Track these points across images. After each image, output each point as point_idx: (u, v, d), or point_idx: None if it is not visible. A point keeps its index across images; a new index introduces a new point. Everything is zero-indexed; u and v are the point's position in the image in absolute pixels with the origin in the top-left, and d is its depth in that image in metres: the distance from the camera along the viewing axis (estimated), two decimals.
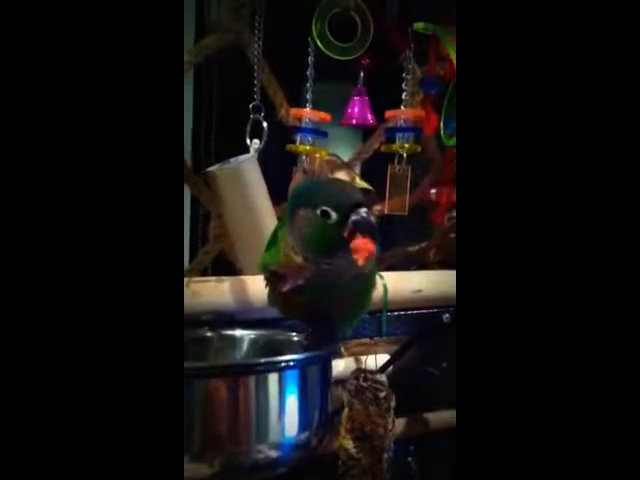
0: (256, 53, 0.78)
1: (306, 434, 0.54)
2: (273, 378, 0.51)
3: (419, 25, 0.82)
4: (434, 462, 1.06)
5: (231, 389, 0.50)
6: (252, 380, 0.51)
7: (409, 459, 1.02)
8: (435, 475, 1.05)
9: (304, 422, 0.54)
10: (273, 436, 0.52)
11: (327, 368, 0.57)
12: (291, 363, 0.51)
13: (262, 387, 0.51)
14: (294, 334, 0.64)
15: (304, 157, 0.81)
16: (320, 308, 0.56)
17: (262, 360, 0.51)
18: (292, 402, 0.52)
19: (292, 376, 0.52)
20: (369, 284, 0.60)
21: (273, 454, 0.52)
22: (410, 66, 0.84)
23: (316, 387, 0.55)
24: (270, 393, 0.51)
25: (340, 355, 0.85)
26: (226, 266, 0.83)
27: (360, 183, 0.93)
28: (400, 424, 0.95)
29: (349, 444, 0.77)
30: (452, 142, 0.88)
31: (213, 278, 0.72)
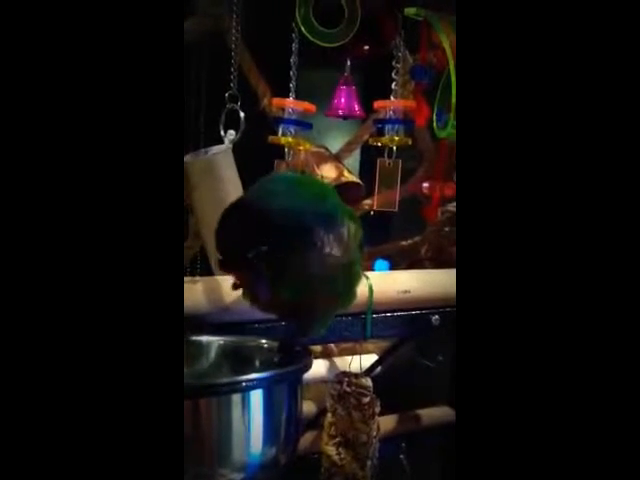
0: (234, 39, 0.73)
1: (273, 453, 0.51)
2: (236, 399, 0.47)
3: (410, 10, 0.78)
4: (426, 459, 1.04)
5: (190, 411, 0.47)
6: (213, 402, 0.47)
7: (401, 456, 1.01)
8: (427, 472, 1.03)
9: (270, 443, 0.50)
10: (236, 458, 0.49)
11: (296, 384, 0.54)
12: (254, 383, 0.47)
13: (224, 409, 0.48)
14: (264, 340, 0.61)
15: (286, 149, 0.77)
16: (299, 302, 0.54)
17: (224, 380, 0.48)
18: (257, 423, 0.49)
19: (256, 396, 0.48)
20: (352, 277, 0.58)
21: (237, 477, 0.49)
22: (400, 54, 0.79)
23: (283, 405, 0.51)
24: (233, 415, 0.48)
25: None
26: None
27: (348, 176, 0.90)
28: (391, 421, 0.93)
29: (332, 450, 0.74)
30: (445, 134, 0.84)
31: (187, 279, 0.68)
